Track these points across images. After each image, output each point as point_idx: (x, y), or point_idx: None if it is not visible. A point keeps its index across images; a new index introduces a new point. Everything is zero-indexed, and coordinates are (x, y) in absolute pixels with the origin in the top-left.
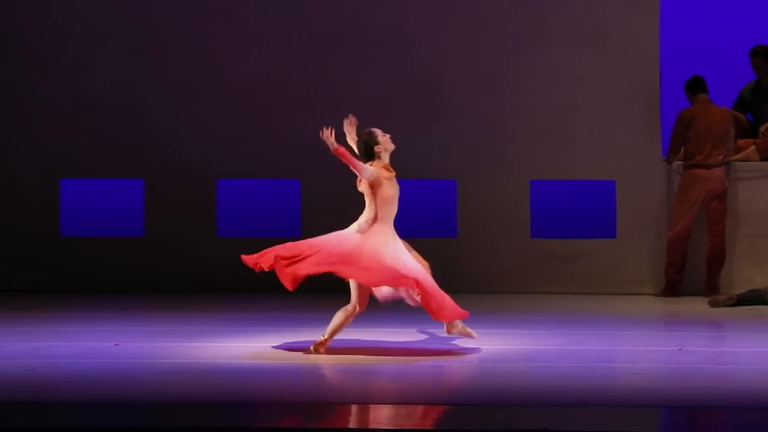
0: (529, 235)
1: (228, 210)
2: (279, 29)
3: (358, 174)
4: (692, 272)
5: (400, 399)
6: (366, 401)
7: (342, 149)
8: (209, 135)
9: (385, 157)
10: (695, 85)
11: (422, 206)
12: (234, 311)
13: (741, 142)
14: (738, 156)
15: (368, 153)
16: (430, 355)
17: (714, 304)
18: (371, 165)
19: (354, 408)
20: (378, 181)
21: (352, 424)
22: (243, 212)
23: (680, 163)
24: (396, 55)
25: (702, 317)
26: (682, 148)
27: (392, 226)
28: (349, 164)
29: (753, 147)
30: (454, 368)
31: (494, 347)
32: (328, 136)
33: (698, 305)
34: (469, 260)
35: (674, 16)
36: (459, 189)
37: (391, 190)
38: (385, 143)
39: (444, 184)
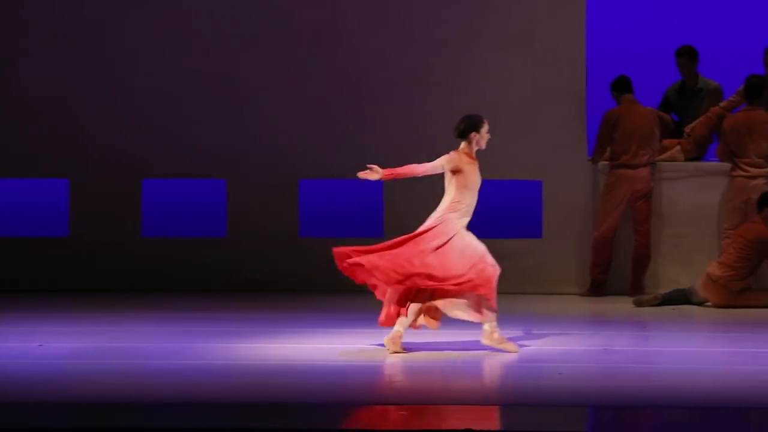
0: None
1: (153, 210)
2: (207, 28)
3: (431, 173)
4: (617, 272)
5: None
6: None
7: (387, 171)
8: (135, 135)
9: (473, 148)
10: (621, 86)
11: (349, 206)
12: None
13: (666, 142)
14: (663, 156)
15: (463, 133)
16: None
17: (639, 304)
18: (457, 152)
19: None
20: (458, 167)
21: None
22: (169, 212)
23: (606, 163)
24: (325, 54)
25: (627, 317)
26: (608, 148)
27: (466, 217)
28: (408, 176)
29: (678, 147)
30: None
31: (423, 347)
32: (368, 174)
33: (623, 305)
34: None
35: (600, 16)
36: (384, 189)
37: (472, 175)
38: (482, 138)
39: (370, 185)
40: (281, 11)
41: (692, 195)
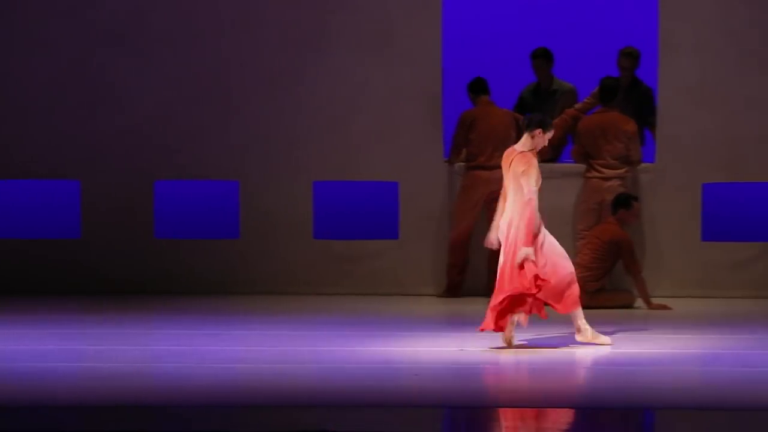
0: (312, 236)
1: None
2: (60, 27)
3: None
4: (474, 273)
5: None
6: None
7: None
8: None
9: (530, 145)
10: (477, 87)
11: (204, 207)
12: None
13: None
14: None
15: (528, 126)
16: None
17: None
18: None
19: None
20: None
21: None
22: (19, 213)
23: (462, 164)
24: (181, 54)
25: (483, 318)
26: (464, 150)
27: None
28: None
29: None
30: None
31: (277, 349)
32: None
33: (480, 306)
34: (251, 261)
35: (456, 18)
36: (241, 190)
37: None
38: (544, 138)
39: (226, 185)
40: (135, 9)
41: (547, 196)
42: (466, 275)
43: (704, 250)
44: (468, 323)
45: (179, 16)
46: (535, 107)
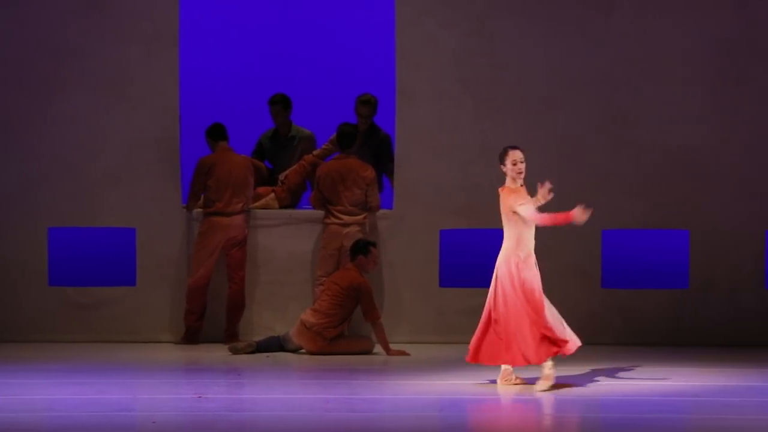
0: (47, 283)
1: None
2: None
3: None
4: (212, 319)
5: None
6: None
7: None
8: None
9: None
10: (215, 133)
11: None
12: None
13: (260, 189)
14: (258, 204)
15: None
16: None
17: (234, 351)
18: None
19: None
20: None
21: None
22: None
23: (200, 210)
24: None
25: (222, 364)
26: (202, 196)
27: None
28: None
29: (272, 195)
30: None
31: (9, 397)
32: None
33: (218, 352)
34: None
35: (194, 64)
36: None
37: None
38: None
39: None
40: None
41: (287, 242)
42: (204, 321)
43: (441, 295)
44: (206, 370)
45: None
46: (273, 153)
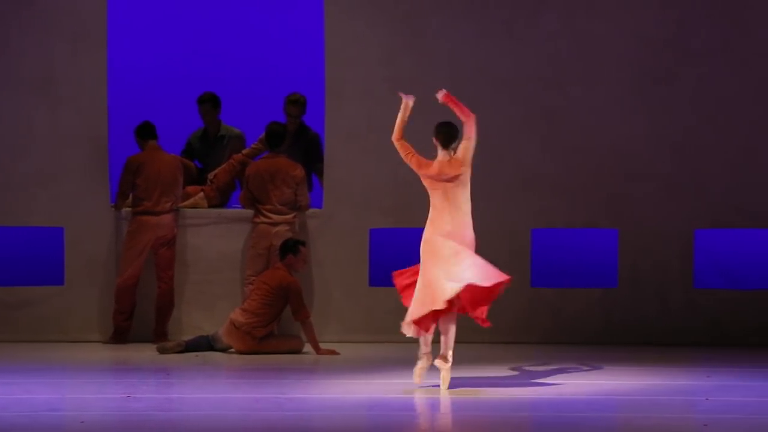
0: None
1: None
2: None
3: (468, 122)
4: (141, 318)
5: None
6: None
7: (447, 94)
8: None
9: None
10: (144, 132)
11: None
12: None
13: (189, 189)
14: (187, 203)
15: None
16: None
17: (162, 351)
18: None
19: None
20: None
21: None
22: None
23: (129, 209)
24: None
25: (150, 364)
26: (131, 195)
27: None
28: (458, 108)
29: (201, 194)
30: None
31: None
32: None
33: (147, 352)
34: None
35: (123, 61)
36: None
37: None
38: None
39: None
40: None
41: (216, 241)
42: (132, 321)
43: (371, 294)
44: (135, 369)
45: None
46: (203, 152)
